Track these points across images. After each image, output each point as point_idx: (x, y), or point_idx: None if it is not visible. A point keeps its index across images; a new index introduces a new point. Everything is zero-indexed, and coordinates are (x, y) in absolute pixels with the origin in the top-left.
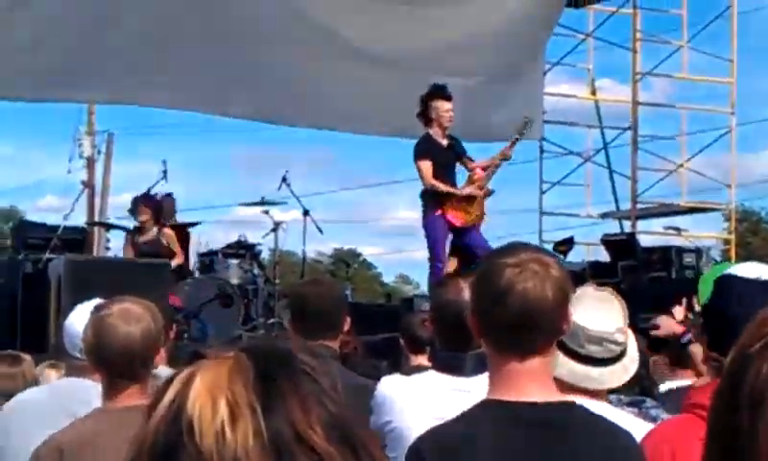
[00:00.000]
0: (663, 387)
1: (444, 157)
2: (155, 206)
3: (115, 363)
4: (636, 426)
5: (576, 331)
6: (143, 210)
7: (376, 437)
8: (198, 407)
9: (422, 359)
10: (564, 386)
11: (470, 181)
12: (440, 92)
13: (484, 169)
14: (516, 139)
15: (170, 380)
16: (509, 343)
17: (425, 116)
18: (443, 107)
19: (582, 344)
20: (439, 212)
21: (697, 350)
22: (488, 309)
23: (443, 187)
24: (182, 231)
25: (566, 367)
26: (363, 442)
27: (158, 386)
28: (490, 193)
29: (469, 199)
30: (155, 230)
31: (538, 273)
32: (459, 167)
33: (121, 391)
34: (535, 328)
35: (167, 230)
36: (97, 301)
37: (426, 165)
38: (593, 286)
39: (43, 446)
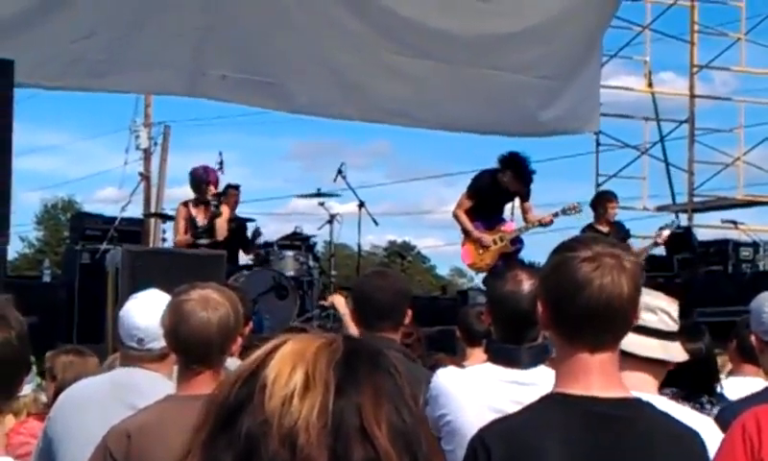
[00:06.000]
0: (727, 382)
1: (496, 200)
2: None
3: (191, 348)
4: (698, 422)
5: None
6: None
7: (442, 455)
8: (277, 369)
9: (479, 352)
10: (626, 360)
11: (497, 231)
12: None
13: (533, 226)
14: (557, 214)
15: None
16: (581, 336)
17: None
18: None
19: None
20: (462, 241)
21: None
22: (563, 303)
23: (463, 221)
24: (240, 225)
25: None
26: (427, 457)
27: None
28: (510, 250)
29: (484, 245)
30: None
31: (614, 267)
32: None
33: (195, 376)
34: (609, 322)
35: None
36: (152, 291)
37: (467, 200)
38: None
39: (112, 430)
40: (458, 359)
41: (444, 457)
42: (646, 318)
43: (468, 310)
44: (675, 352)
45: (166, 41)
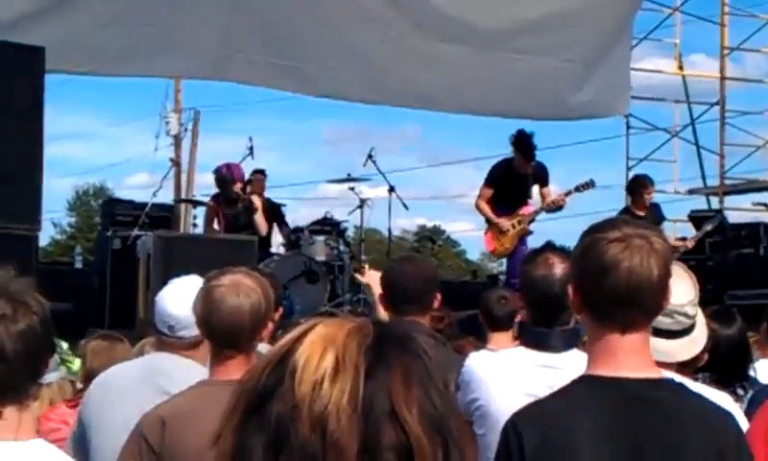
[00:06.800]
0: (759, 365)
1: (514, 186)
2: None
3: (223, 333)
4: (730, 405)
5: None
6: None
7: (474, 439)
8: (306, 354)
9: (499, 336)
10: None
11: (515, 215)
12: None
13: (548, 208)
14: (569, 192)
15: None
16: (611, 318)
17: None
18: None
19: None
20: (485, 229)
21: None
22: (592, 285)
23: (483, 210)
24: (272, 209)
25: None
26: (457, 440)
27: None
28: (526, 233)
29: (503, 230)
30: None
31: (643, 248)
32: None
33: (227, 361)
34: (638, 304)
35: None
36: (190, 277)
37: (486, 190)
38: None
39: (146, 416)
40: (480, 344)
41: (475, 441)
42: (662, 320)
43: (488, 295)
44: (688, 351)
45: (192, 26)
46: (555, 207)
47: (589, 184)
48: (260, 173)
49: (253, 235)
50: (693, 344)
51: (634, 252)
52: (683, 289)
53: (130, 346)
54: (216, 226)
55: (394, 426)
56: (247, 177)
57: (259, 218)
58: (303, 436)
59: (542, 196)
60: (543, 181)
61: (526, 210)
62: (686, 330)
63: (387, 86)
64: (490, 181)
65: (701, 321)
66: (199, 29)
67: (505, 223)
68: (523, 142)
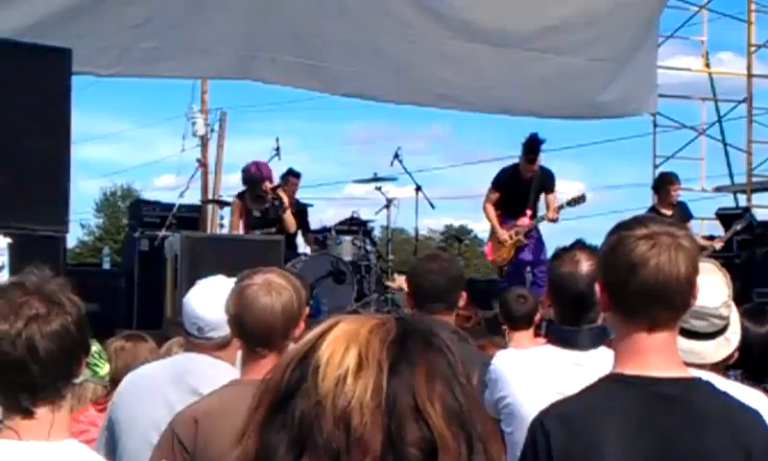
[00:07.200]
0: None
1: (519, 191)
2: None
3: (255, 333)
4: (756, 400)
5: None
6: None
7: (498, 435)
8: (329, 350)
9: (518, 335)
10: None
11: (513, 226)
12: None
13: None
14: (562, 206)
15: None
16: (639, 315)
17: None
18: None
19: (686, 319)
20: (488, 238)
21: None
22: (619, 282)
23: (489, 217)
24: (300, 210)
25: None
26: (481, 436)
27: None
28: (522, 244)
29: (501, 240)
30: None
31: (671, 245)
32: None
33: (259, 360)
34: (666, 302)
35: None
36: (218, 278)
37: (493, 193)
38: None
39: (179, 416)
40: (502, 342)
41: (500, 438)
42: (696, 323)
43: (507, 294)
44: (722, 351)
45: (218, 26)
46: (549, 221)
47: (580, 199)
48: (295, 176)
49: (281, 233)
50: (727, 343)
51: (662, 249)
52: (716, 290)
53: (154, 344)
54: (241, 223)
55: (417, 422)
56: (277, 178)
57: (288, 215)
58: (327, 432)
59: (547, 203)
60: (549, 188)
61: (523, 221)
62: (720, 331)
63: (413, 86)
64: (496, 185)
65: (735, 319)
66: (224, 29)
67: (504, 233)
68: (526, 144)
